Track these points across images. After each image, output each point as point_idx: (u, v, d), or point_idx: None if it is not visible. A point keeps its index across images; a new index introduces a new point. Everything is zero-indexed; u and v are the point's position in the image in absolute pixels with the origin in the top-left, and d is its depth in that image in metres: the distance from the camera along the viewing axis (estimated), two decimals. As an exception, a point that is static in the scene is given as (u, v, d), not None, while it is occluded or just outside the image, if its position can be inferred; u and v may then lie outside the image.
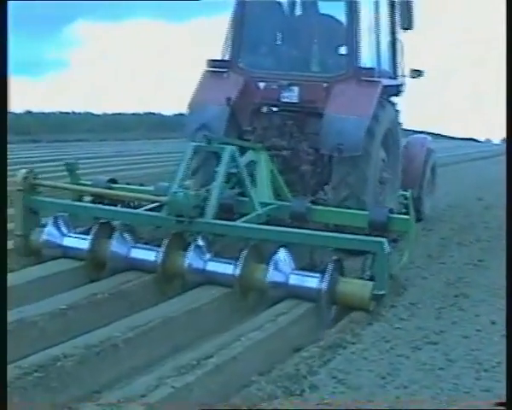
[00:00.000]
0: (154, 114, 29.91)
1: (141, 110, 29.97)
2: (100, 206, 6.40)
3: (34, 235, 6.24)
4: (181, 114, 31.10)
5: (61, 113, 26.87)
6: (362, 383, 4.06)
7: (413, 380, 4.15)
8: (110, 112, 28.97)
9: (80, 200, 6.94)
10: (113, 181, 7.20)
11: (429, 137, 10.40)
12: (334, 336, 4.76)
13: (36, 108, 26.09)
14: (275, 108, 7.95)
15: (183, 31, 57.78)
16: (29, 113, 25.04)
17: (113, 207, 6.40)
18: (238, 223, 5.93)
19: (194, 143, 6.41)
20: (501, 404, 3.74)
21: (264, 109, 7.93)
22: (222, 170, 6.10)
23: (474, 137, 37.30)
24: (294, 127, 7.67)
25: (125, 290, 5.36)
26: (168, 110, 31.19)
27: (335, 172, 7.39)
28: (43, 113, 26.23)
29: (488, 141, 38.21)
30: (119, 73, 57.06)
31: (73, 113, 27.42)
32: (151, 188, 7.14)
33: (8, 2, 4.50)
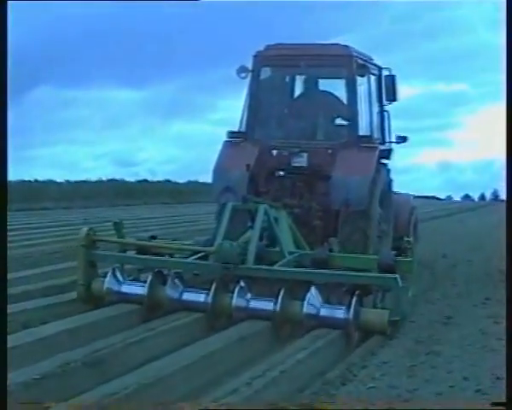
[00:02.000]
0: (116, 180, 31.40)
1: (104, 177, 31.49)
2: (155, 257, 7.94)
3: (95, 284, 7.75)
4: (145, 181, 32.81)
5: (24, 181, 28.15)
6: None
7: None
8: (73, 179, 30.43)
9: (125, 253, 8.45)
10: (154, 237, 8.79)
11: (412, 196, 12.31)
12: (308, 398, 5.05)
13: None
14: (283, 172, 9.73)
15: (139, 99, 60.23)
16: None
17: (166, 258, 7.98)
18: (276, 267, 7.57)
19: (232, 203, 8.11)
20: (500, 404, 4.21)
21: (277, 173, 9.71)
22: (258, 224, 7.78)
23: (436, 195, 39.89)
24: (304, 188, 9.45)
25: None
26: (132, 177, 32.84)
27: (342, 217, 9.06)
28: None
29: (449, 198, 40.79)
30: (81, 139, 58.64)
31: (36, 181, 28.73)
32: (190, 242, 8.77)
33: (8, 3, 4.95)
